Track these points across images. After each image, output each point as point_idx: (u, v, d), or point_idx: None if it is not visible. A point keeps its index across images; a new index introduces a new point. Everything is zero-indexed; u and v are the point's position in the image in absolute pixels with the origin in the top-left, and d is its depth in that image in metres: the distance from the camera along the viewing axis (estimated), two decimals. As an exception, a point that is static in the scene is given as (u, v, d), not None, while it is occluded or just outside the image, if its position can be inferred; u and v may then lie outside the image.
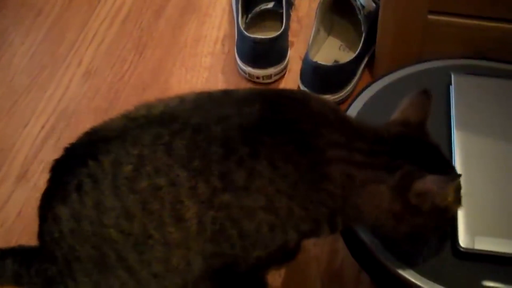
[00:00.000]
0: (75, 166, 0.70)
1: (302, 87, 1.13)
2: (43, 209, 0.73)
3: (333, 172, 0.68)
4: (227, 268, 0.71)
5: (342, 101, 1.13)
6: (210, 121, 0.68)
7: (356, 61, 1.14)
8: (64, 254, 0.72)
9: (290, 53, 1.22)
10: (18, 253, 0.83)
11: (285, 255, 0.80)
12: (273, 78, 1.18)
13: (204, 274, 0.71)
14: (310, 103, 0.71)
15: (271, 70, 1.17)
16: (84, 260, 0.70)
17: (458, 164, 0.84)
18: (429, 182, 0.67)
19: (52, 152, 0.97)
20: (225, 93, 0.73)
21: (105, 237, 0.68)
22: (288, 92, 0.78)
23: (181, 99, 0.72)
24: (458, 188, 0.73)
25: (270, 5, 1.24)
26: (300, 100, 0.72)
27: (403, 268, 0.77)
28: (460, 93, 0.92)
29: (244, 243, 0.68)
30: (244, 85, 1.18)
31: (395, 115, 0.76)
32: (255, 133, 0.67)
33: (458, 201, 0.73)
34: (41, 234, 0.75)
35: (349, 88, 1.13)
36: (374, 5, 1.17)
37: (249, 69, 1.17)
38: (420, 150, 0.72)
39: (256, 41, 1.15)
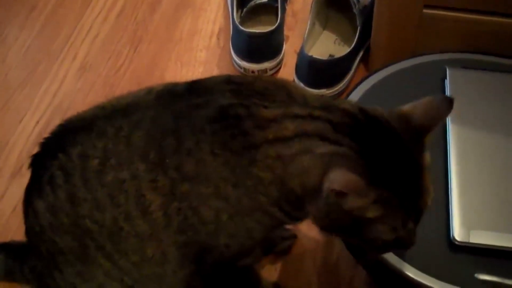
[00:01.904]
0: (47, 159, 0.71)
1: (297, 81, 1.13)
2: (25, 205, 0.74)
3: (259, 155, 0.64)
4: (200, 257, 0.71)
5: (338, 95, 1.13)
6: (167, 112, 0.68)
7: (351, 55, 1.14)
8: (48, 248, 0.72)
9: (285, 47, 1.21)
10: (11, 249, 0.84)
11: (266, 247, 0.81)
12: (269, 73, 1.18)
13: (186, 267, 0.72)
14: (255, 84, 0.69)
15: (266, 65, 1.17)
16: (66, 252, 0.71)
17: (453, 158, 0.84)
18: (341, 177, 0.59)
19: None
20: (190, 84, 0.71)
21: (82, 228, 0.69)
22: (239, 77, 0.74)
23: (149, 90, 0.72)
24: (392, 214, 0.64)
25: (265, -1, 1.24)
26: (246, 83, 0.70)
27: (398, 262, 0.78)
28: (455, 87, 0.92)
29: (206, 230, 0.68)
30: (240, 79, 1.18)
31: (406, 105, 0.68)
32: (202, 122, 0.66)
33: (392, 231, 0.65)
34: (26, 230, 0.75)
35: (344, 82, 1.13)
36: (369, -1, 1.17)
37: (244, 64, 1.17)
38: (387, 152, 0.63)
39: (251, 36, 1.15)
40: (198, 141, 0.66)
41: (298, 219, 0.70)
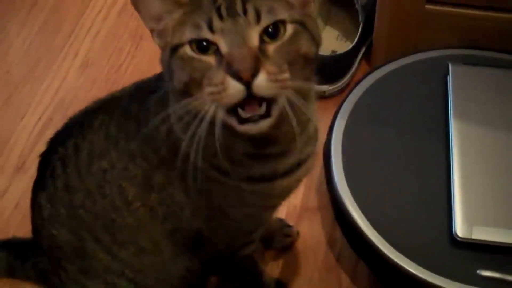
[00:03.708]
0: (50, 155, 0.72)
1: (299, 78, 1.12)
2: (32, 202, 0.75)
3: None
4: (194, 244, 0.71)
5: (340, 91, 1.13)
6: (135, 102, 0.68)
7: (354, 51, 1.14)
8: (49, 244, 0.73)
9: (287, 43, 1.21)
10: (13, 246, 0.84)
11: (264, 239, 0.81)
12: (270, 69, 1.18)
13: (180, 255, 0.72)
14: None
15: (268, 61, 1.17)
16: (64, 247, 0.71)
17: (455, 154, 0.84)
18: None
19: (49, 144, 0.97)
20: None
21: (78, 219, 0.69)
22: None
23: (133, 83, 0.72)
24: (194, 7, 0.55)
25: (267, -5, 1.23)
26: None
27: (400, 258, 0.78)
28: (458, 83, 0.92)
29: (185, 215, 0.68)
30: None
31: None
32: (151, 104, 0.66)
33: (194, 28, 0.54)
34: (32, 227, 0.76)
35: (346, 78, 1.13)
36: (371, -5, 1.17)
37: (246, 60, 1.17)
38: None
39: (253, 32, 1.15)
40: (148, 123, 0.65)
41: (235, 173, 0.64)
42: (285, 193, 0.70)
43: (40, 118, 1.14)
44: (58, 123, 1.13)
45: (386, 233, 0.80)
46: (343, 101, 0.94)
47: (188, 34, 0.55)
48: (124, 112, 0.68)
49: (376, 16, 1.08)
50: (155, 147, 0.65)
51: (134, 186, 0.67)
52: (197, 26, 0.54)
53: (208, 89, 0.53)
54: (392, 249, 0.78)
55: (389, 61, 0.99)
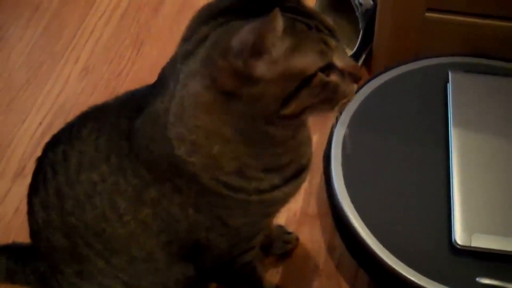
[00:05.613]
0: (42, 160, 0.73)
1: (299, 84, 1.12)
2: (27, 206, 0.75)
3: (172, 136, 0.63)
4: (191, 253, 0.71)
5: (340, 98, 1.13)
6: (123, 115, 0.67)
7: (354, 58, 1.14)
8: (46, 247, 0.73)
9: (288, 50, 1.21)
10: (13, 251, 0.84)
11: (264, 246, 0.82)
12: (271, 75, 1.18)
13: (176, 263, 0.72)
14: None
15: (269, 67, 1.17)
16: (60, 251, 0.72)
17: (455, 161, 0.84)
18: (244, 32, 0.54)
19: (50, 149, 0.97)
20: (155, 83, 0.68)
21: (69, 225, 0.69)
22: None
23: (127, 92, 0.71)
24: (309, 39, 0.57)
25: (268, 1, 1.23)
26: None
27: (400, 265, 0.78)
28: (457, 91, 0.92)
29: (182, 227, 0.68)
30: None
31: None
32: (143, 122, 0.65)
33: (320, 55, 0.57)
34: (29, 232, 0.76)
35: (346, 85, 1.13)
36: (371, 2, 1.17)
37: (247, 66, 1.17)
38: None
39: (254, 38, 1.15)
40: (140, 144, 0.65)
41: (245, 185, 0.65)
42: (286, 199, 0.71)
43: (41, 123, 1.15)
44: (58, 128, 1.13)
45: (386, 240, 0.80)
46: (343, 108, 0.94)
47: (316, 61, 0.58)
48: (114, 128, 0.67)
49: (376, 23, 1.08)
50: (148, 165, 0.65)
51: (126, 200, 0.67)
52: (322, 52, 0.58)
53: (343, 101, 0.61)
54: (391, 256, 0.79)
55: (389, 69, 0.99)
